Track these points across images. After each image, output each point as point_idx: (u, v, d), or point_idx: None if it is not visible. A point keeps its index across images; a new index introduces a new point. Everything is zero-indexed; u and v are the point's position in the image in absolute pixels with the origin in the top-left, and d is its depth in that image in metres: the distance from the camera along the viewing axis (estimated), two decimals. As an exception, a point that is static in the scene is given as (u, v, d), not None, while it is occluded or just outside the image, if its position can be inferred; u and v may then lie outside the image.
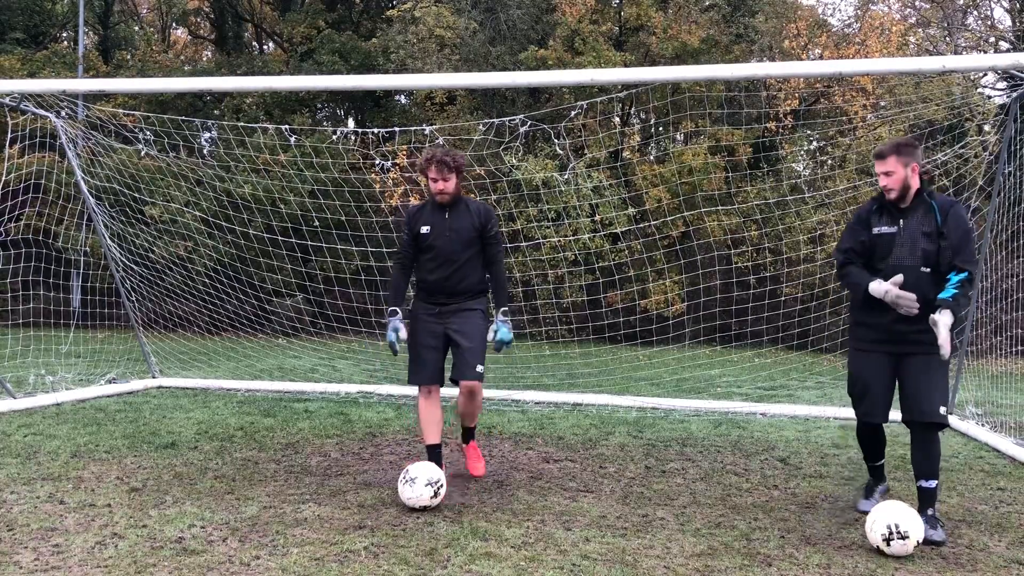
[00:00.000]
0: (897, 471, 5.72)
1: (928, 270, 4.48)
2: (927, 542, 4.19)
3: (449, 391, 5.64)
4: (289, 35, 21.46)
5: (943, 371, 4.51)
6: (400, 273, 5.40)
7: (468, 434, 5.61)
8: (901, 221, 4.56)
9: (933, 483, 4.44)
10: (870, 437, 4.90)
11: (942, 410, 4.45)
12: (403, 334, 5.23)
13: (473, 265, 5.23)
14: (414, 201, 15.07)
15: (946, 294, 4.37)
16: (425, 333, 5.22)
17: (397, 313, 5.28)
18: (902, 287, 4.41)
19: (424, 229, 5.20)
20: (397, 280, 5.41)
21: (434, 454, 5.19)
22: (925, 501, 4.43)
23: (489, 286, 5.41)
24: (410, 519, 4.44)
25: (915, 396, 4.47)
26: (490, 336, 5.26)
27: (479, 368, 5.17)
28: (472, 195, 5.51)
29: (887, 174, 4.54)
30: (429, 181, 5.18)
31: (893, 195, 4.55)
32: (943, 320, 4.29)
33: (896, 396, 4.66)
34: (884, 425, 4.83)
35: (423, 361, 5.20)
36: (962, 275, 4.41)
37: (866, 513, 4.44)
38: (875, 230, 4.61)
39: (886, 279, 4.47)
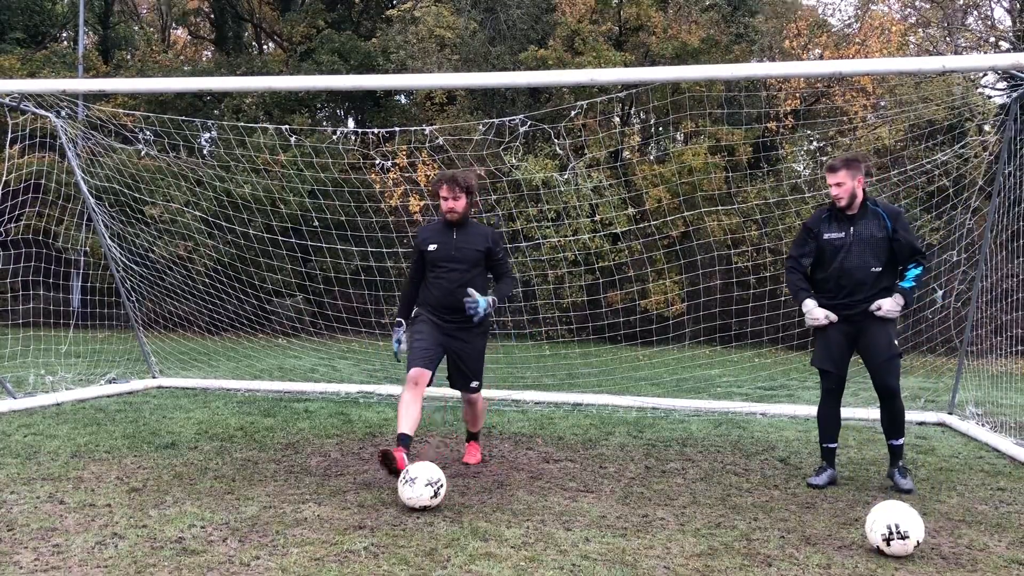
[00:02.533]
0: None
1: (879, 269, 5.24)
2: (899, 490, 5.18)
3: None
4: (289, 35, 21.47)
5: (892, 325, 5.34)
6: (410, 288, 5.66)
7: (472, 436, 5.95)
8: (851, 228, 5.28)
9: (900, 441, 5.40)
10: (830, 412, 5.52)
11: (895, 345, 5.31)
12: (404, 346, 5.51)
13: (477, 284, 5.41)
14: (414, 201, 15.09)
15: (906, 284, 5.25)
16: (426, 330, 5.45)
17: (402, 324, 5.56)
18: (855, 284, 5.25)
19: (431, 247, 5.45)
20: (407, 294, 5.67)
21: (403, 440, 5.14)
22: (896, 456, 5.42)
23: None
24: (410, 519, 4.44)
25: (874, 347, 5.27)
26: (474, 295, 5.29)
27: (474, 384, 5.57)
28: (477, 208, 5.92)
29: (838, 185, 5.26)
30: (440, 200, 5.45)
31: (842, 203, 5.26)
32: (889, 304, 5.19)
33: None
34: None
35: (418, 350, 5.38)
36: (919, 269, 5.27)
37: (816, 487, 5.30)
38: (825, 236, 5.33)
39: (837, 279, 5.30)
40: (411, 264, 5.67)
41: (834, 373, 5.40)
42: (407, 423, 5.20)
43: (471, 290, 5.29)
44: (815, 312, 5.32)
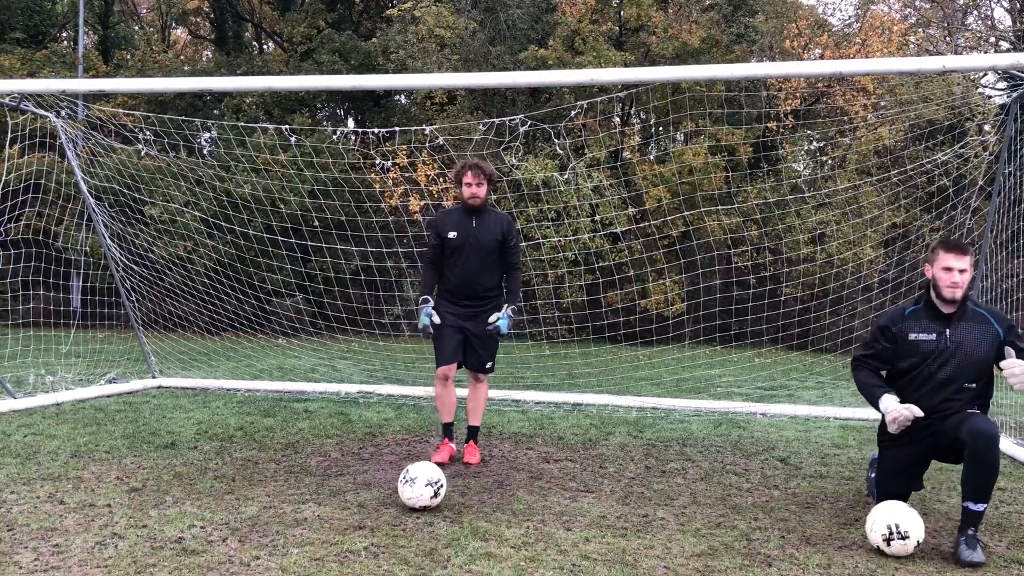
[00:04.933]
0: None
1: (974, 386, 4.24)
2: (964, 563, 3.89)
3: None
4: (289, 35, 21.47)
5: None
6: (429, 269, 5.89)
7: (472, 434, 5.97)
8: (947, 330, 4.25)
9: (983, 507, 4.04)
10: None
11: (978, 410, 4.24)
12: (436, 319, 5.68)
13: (494, 270, 5.74)
14: (414, 201, 15.10)
15: None
16: (446, 325, 5.71)
17: (429, 301, 5.76)
18: (939, 401, 4.24)
19: (452, 233, 5.66)
20: (427, 274, 5.91)
21: (447, 430, 5.87)
22: (970, 522, 4.05)
23: (504, 290, 5.89)
24: (410, 519, 4.44)
25: (955, 426, 4.15)
26: (492, 318, 5.68)
27: (488, 364, 5.85)
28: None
29: (961, 271, 4.18)
30: (463, 187, 5.66)
31: (959, 294, 4.19)
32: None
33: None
34: None
35: (444, 346, 5.72)
36: None
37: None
38: (911, 337, 4.28)
39: (921, 389, 4.27)
40: (429, 248, 5.85)
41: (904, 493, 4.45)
42: (447, 412, 5.83)
43: (491, 318, 5.64)
44: (897, 411, 4.15)
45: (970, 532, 4.01)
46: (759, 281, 13.67)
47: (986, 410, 4.40)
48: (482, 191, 5.66)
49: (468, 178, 5.64)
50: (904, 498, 4.43)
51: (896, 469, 4.46)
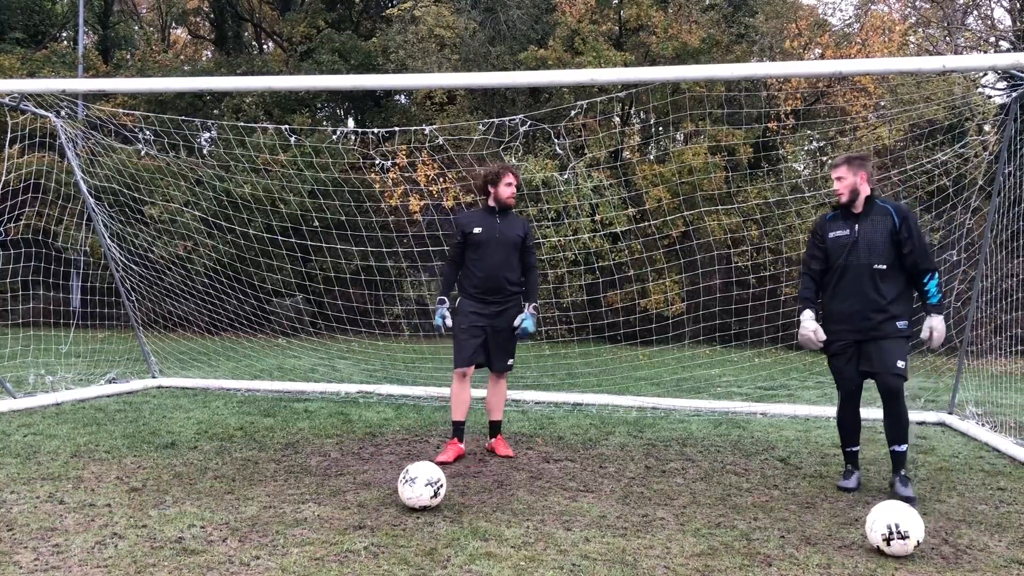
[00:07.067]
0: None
1: (884, 267, 5.14)
2: (899, 498, 4.59)
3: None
4: (289, 35, 21.47)
5: (905, 346, 5.18)
6: (451, 269, 6.17)
7: (495, 429, 6.24)
8: (856, 226, 5.25)
9: (903, 447, 5.17)
10: (849, 417, 5.43)
11: (900, 364, 5.08)
12: (449, 321, 5.98)
13: (514, 266, 6.08)
14: (414, 201, 15.11)
15: (934, 300, 5.13)
16: (468, 325, 5.96)
17: (445, 302, 6.06)
18: (858, 283, 5.16)
19: (477, 230, 5.99)
20: (448, 274, 6.19)
21: (458, 430, 6.00)
22: (898, 463, 5.19)
23: (523, 288, 6.21)
24: (410, 519, 4.44)
25: (880, 361, 5.10)
26: (516, 322, 6.00)
27: (509, 362, 6.11)
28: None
29: (839, 179, 5.29)
30: (503, 187, 6.04)
31: (843, 198, 5.28)
32: (938, 326, 5.09)
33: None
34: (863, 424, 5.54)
35: (464, 348, 5.95)
36: (935, 278, 5.14)
37: (847, 490, 5.25)
38: (831, 235, 5.31)
39: (840, 279, 5.24)
40: (452, 247, 6.14)
41: (849, 385, 5.34)
42: (460, 410, 5.97)
43: (516, 323, 5.97)
44: (805, 325, 5.27)
45: (902, 473, 5.19)
46: (759, 281, 13.68)
47: (908, 316, 5.18)
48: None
49: (509, 179, 6.06)
50: (858, 389, 5.30)
51: (838, 368, 5.33)
